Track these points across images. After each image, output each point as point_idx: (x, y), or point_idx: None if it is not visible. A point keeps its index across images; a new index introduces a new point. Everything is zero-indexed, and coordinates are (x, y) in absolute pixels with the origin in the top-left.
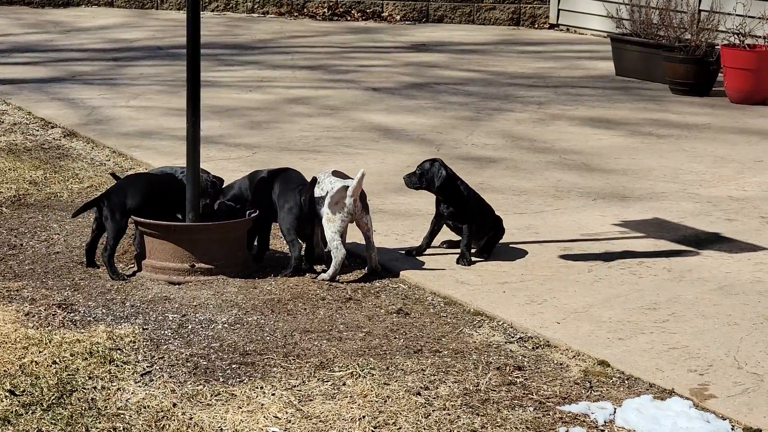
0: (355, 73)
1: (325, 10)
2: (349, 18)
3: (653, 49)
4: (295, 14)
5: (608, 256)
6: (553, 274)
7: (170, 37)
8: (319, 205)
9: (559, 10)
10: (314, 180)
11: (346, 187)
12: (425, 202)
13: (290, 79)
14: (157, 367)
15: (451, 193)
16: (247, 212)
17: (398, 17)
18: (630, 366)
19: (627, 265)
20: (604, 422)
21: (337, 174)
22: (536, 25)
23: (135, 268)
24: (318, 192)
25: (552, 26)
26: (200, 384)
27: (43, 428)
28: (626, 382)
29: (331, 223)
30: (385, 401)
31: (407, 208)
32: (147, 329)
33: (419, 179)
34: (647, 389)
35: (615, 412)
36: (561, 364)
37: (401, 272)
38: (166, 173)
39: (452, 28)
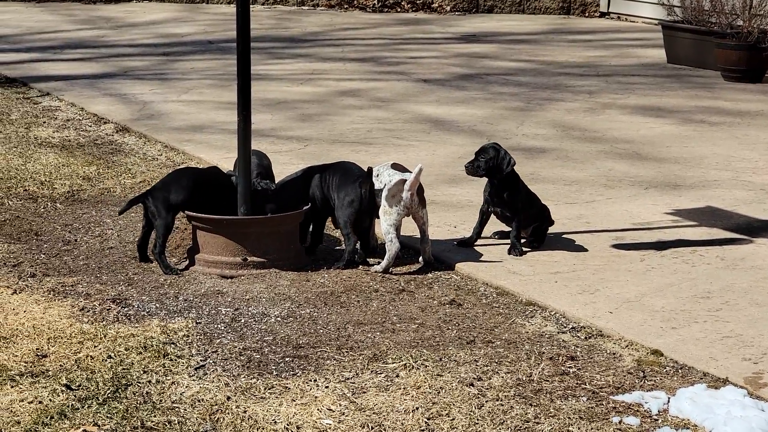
0: (406, 64)
1: (375, 1)
2: (399, 9)
3: (705, 36)
4: (345, 6)
5: (660, 245)
6: (605, 263)
7: (221, 31)
8: (377, 198)
9: None
10: (370, 170)
11: (403, 181)
12: (476, 192)
13: (341, 71)
14: (211, 361)
15: (511, 180)
16: None
17: (448, 8)
18: (683, 355)
19: (679, 253)
20: (658, 411)
21: (396, 167)
22: (587, 14)
23: (187, 263)
24: (377, 185)
25: (603, 14)
26: (254, 377)
27: (98, 422)
28: (680, 371)
29: (387, 216)
30: (439, 392)
31: (459, 198)
32: (200, 323)
33: (486, 164)
34: (701, 378)
35: (669, 401)
36: (614, 353)
37: (453, 263)
38: (213, 166)
39: (502, 18)
